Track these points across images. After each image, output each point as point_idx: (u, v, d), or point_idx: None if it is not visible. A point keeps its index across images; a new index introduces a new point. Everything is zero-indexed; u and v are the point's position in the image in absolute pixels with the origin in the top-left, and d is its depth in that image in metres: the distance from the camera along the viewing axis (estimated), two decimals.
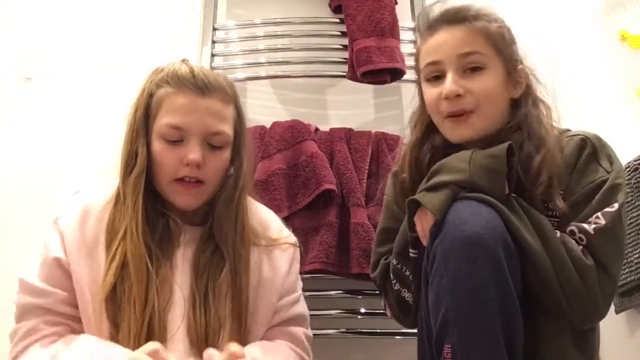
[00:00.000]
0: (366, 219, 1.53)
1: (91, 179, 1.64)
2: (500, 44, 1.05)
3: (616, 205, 0.97)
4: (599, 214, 0.97)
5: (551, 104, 1.09)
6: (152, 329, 0.94)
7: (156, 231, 1.02)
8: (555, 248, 0.93)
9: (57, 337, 0.97)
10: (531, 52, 1.13)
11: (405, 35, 1.75)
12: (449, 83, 1.03)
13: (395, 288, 1.09)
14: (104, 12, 1.86)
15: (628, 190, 1.43)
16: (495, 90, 1.04)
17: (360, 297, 1.58)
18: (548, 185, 0.98)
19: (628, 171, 1.47)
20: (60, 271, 1.00)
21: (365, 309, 1.57)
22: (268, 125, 1.65)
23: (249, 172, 1.13)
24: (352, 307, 1.57)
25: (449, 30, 1.06)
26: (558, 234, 0.97)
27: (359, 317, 1.57)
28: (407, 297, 1.07)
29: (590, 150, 1.02)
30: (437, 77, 1.06)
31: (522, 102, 1.07)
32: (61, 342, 0.96)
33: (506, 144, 0.96)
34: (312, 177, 1.55)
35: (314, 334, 1.37)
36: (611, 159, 1.02)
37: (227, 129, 1.05)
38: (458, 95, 1.03)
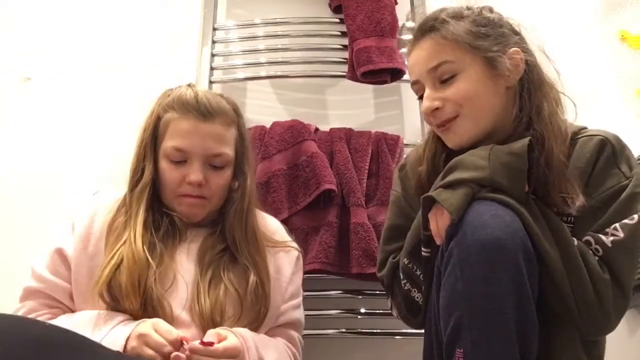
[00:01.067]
0: (366, 219, 1.53)
1: (91, 178, 1.65)
2: (471, 42, 1.02)
3: (636, 217, 0.94)
4: (617, 225, 0.94)
5: (559, 85, 1.05)
6: (154, 314, 1.00)
7: (160, 229, 1.09)
8: (572, 258, 0.91)
9: (56, 317, 1.04)
10: (531, 25, 1.10)
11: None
12: (424, 100, 1.05)
13: (405, 288, 1.05)
14: (104, 12, 1.86)
15: None
16: (476, 90, 1.01)
17: (360, 297, 1.58)
18: (556, 188, 0.95)
19: None
20: (62, 261, 1.08)
21: (365, 309, 1.56)
22: (268, 125, 1.65)
23: (254, 186, 1.22)
24: (352, 307, 1.57)
25: (419, 46, 1.06)
26: (575, 242, 0.94)
27: (359, 317, 1.56)
28: (417, 298, 1.04)
29: (610, 153, 0.98)
30: (423, 95, 1.07)
31: (523, 88, 1.03)
32: (63, 316, 1.04)
33: (526, 140, 0.93)
34: (312, 177, 1.55)
35: (314, 334, 1.37)
36: (630, 162, 0.99)
37: (228, 150, 1.14)
38: (437, 109, 1.03)
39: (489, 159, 0.93)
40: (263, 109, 1.79)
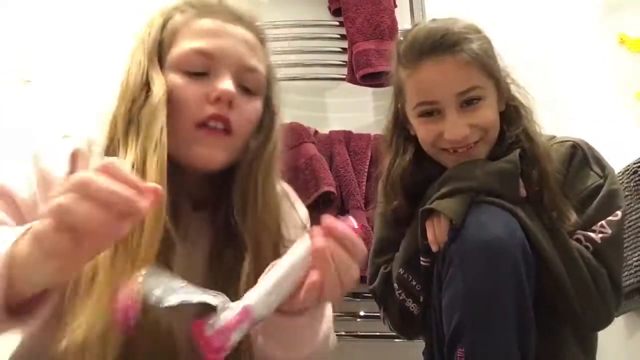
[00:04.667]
0: (365, 221, 1.53)
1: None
2: (491, 67, 0.98)
3: (619, 214, 0.97)
4: (603, 222, 0.97)
5: (529, 102, 1.05)
6: None
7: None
8: (570, 254, 0.93)
9: None
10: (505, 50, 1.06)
11: None
12: (453, 127, 0.95)
13: (400, 298, 1.04)
14: (104, 13, 1.86)
15: (627, 193, 1.44)
16: (495, 116, 1.00)
17: (359, 299, 1.57)
18: (553, 200, 0.98)
19: (627, 174, 1.47)
20: (9, 205, 0.79)
21: (365, 312, 1.56)
22: None
23: (281, 139, 0.88)
24: (351, 310, 1.57)
25: (438, 64, 0.95)
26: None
27: (358, 319, 1.57)
28: (412, 308, 1.03)
29: (582, 157, 1.01)
30: (431, 113, 0.98)
31: (508, 112, 1.03)
32: None
33: (517, 150, 0.97)
34: (312, 180, 1.55)
35: None
36: (601, 162, 1.02)
37: (262, 68, 0.85)
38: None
39: (482, 168, 0.95)
40: None
